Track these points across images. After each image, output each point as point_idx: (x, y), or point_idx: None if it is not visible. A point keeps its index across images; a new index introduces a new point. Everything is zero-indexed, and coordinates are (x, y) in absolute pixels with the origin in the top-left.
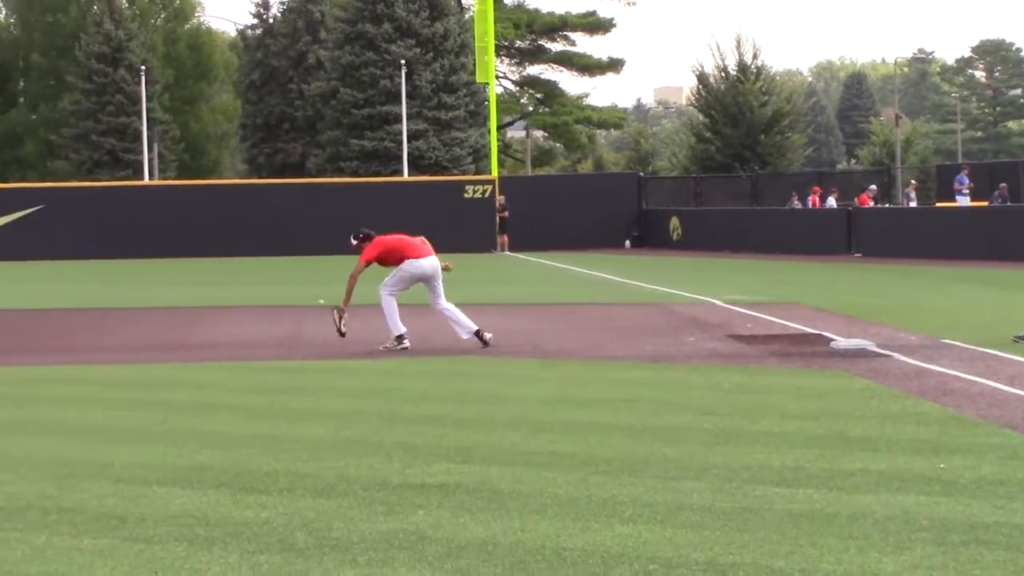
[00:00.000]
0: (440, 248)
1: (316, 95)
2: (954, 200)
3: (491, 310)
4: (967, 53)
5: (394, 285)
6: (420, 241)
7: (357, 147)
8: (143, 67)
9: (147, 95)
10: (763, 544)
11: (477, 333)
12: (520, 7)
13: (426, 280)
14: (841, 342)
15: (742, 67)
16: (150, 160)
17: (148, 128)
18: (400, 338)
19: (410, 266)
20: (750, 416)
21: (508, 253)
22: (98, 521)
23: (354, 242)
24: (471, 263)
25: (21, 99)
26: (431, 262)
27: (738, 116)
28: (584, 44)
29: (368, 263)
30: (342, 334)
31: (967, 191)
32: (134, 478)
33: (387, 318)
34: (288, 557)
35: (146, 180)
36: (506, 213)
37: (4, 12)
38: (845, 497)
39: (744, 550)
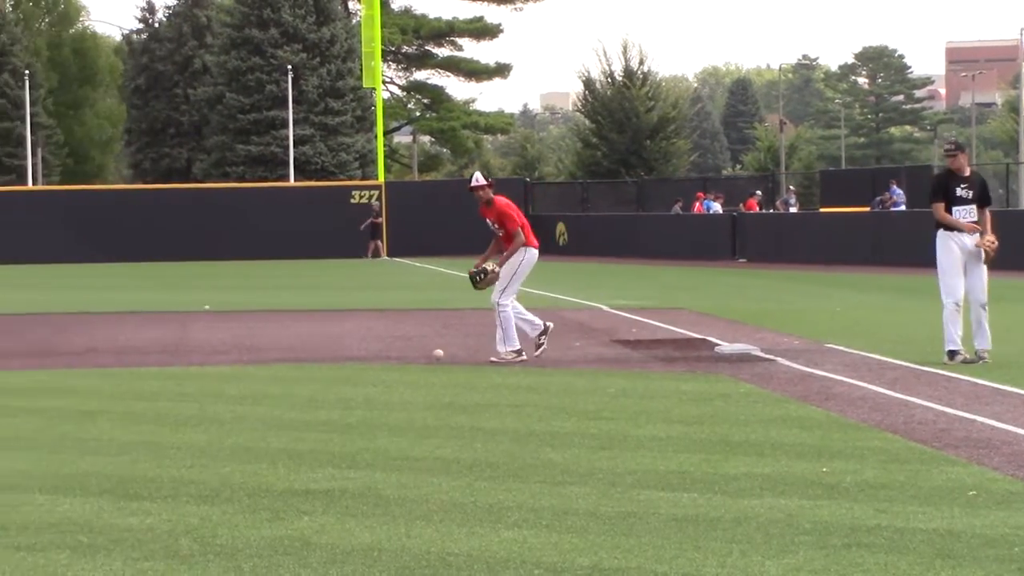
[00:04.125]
0: (327, 253)
1: (202, 100)
2: (839, 206)
3: (374, 315)
4: (850, 59)
5: (515, 289)
6: None
7: (243, 152)
8: (27, 71)
9: (31, 99)
10: (647, 548)
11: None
12: (407, 12)
13: None
14: (725, 347)
15: (628, 73)
16: (34, 165)
17: (32, 133)
18: (520, 351)
19: (533, 257)
20: (635, 421)
21: (383, 258)
22: None
23: (482, 182)
24: (358, 269)
25: None
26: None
27: (624, 122)
28: (471, 49)
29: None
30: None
31: (902, 201)
32: (15, 486)
33: (507, 331)
34: (172, 564)
35: (29, 185)
36: (381, 220)
37: None
38: (729, 501)
39: (628, 554)
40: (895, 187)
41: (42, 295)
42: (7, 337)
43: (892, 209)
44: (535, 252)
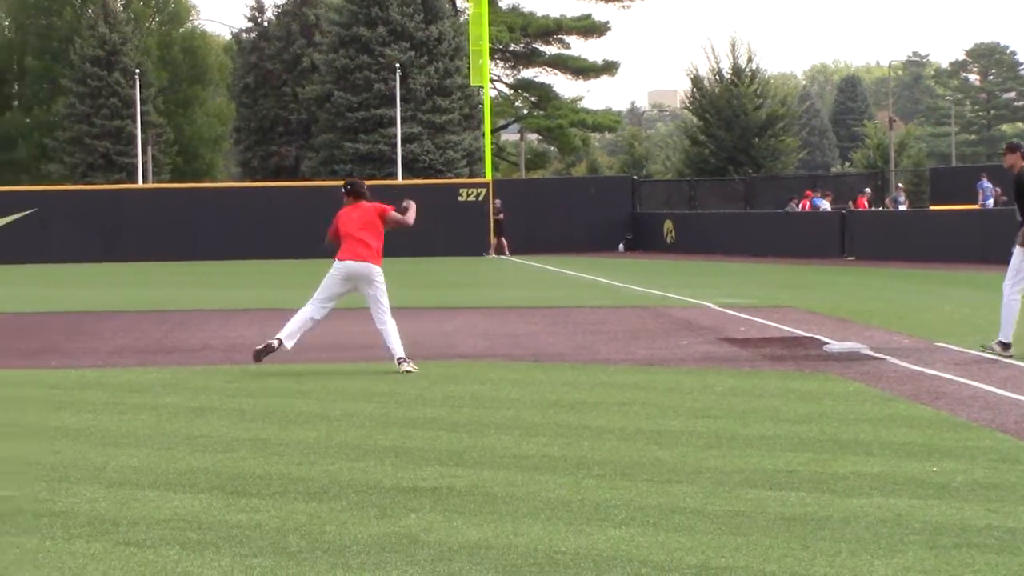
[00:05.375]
0: (434, 251)
1: (310, 98)
2: (949, 204)
3: (481, 313)
4: (961, 56)
5: (318, 297)
6: (360, 232)
7: (351, 150)
8: (137, 70)
9: (141, 98)
10: (755, 547)
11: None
12: (515, 10)
13: (356, 288)
14: (834, 345)
15: (736, 70)
16: (144, 163)
17: (142, 131)
18: (401, 361)
19: (336, 269)
20: (743, 419)
21: (506, 256)
22: (90, 525)
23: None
24: (465, 267)
25: (15, 102)
26: (349, 267)
27: (732, 119)
28: (579, 47)
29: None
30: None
31: (991, 195)
32: (126, 482)
33: (291, 325)
34: (280, 560)
35: (140, 183)
36: (502, 216)
37: None
38: (837, 500)
39: (736, 553)
40: (984, 181)
41: (160, 292)
42: (128, 334)
43: (980, 204)
44: (338, 264)
